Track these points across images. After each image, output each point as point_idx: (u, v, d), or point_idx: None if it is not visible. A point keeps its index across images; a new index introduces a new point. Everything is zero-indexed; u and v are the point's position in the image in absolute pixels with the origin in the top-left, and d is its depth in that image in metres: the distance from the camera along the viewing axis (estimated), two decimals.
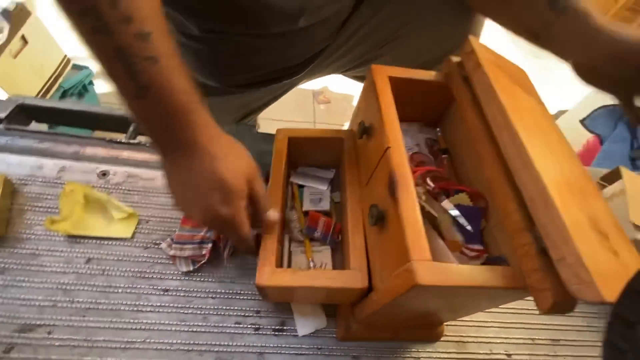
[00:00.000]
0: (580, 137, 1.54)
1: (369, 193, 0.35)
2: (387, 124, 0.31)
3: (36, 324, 0.34)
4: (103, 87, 1.50)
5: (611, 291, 0.20)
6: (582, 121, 1.46)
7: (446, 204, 0.32)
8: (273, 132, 0.45)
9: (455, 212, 0.31)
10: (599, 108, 1.47)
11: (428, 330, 0.39)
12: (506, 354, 0.40)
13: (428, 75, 0.38)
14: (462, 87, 0.34)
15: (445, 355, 0.39)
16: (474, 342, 0.40)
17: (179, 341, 0.35)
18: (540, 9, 0.37)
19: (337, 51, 0.60)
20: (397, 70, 0.37)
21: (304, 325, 0.37)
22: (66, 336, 0.33)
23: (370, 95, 0.36)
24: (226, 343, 0.35)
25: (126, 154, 0.48)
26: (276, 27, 0.48)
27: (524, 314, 0.44)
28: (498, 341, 0.41)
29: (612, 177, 0.53)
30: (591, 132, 1.43)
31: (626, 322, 0.20)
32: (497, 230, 0.31)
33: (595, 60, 0.35)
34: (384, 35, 0.56)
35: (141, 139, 0.50)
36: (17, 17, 1.06)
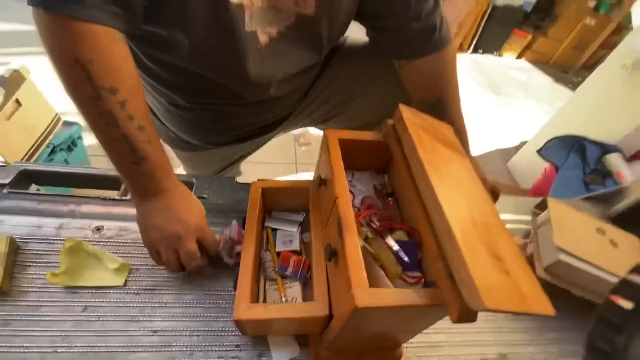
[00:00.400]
0: (539, 166, 1.68)
1: (327, 234, 0.42)
2: (336, 179, 0.39)
3: None
4: (91, 140, 1.57)
5: (494, 301, 0.27)
6: (538, 151, 1.61)
7: (389, 240, 0.40)
8: (255, 175, 0.53)
9: (395, 247, 0.39)
10: (553, 139, 1.63)
11: (388, 353, 0.44)
12: None
13: (371, 135, 0.47)
14: (396, 145, 0.43)
15: None
16: (432, 356, 0.46)
17: None
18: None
19: (303, 111, 0.71)
20: (346, 133, 0.46)
21: (279, 356, 0.42)
22: None
23: (325, 154, 0.44)
24: None
25: (118, 209, 0.54)
26: (250, 98, 0.58)
27: (476, 332, 0.50)
28: (451, 355, 0.47)
29: (543, 206, 0.62)
30: (547, 160, 1.57)
31: (601, 352, 0.24)
32: (427, 260, 0.39)
33: None
34: (340, 99, 0.67)
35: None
36: (13, 82, 1.15)
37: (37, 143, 1.26)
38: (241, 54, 0.47)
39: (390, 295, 0.31)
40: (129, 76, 0.39)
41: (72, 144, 1.43)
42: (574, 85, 2.94)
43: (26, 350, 0.38)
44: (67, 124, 1.45)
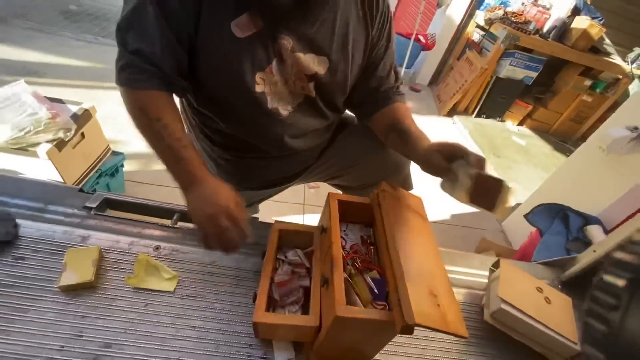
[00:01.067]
0: (530, 229, 1.82)
1: (323, 267, 0.59)
2: (332, 230, 0.57)
3: (112, 343, 0.54)
4: (129, 167, 1.80)
5: (422, 319, 0.44)
6: (525, 216, 1.76)
7: (366, 277, 0.56)
8: (269, 211, 0.71)
9: (370, 282, 0.56)
10: (539, 205, 1.79)
11: None
12: None
13: (362, 199, 0.66)
14: (377, 209, 0.61)
15: None
16: None
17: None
18: (397, 142, 0.73)
19: (316, 169, 0.92)
20: (343, 196, 0.65)
21: (279, 355, 0.58)
22: (131, 352, 0.54)
23: (326, 210, 0.63)
24: None
25: (171, 234, 0.73)
26: (275, 152, 0.79)
27: (431, 349, 0.64)
28: None
29: (497, 265, 0.78)
30: (533, 225, 1.72)
31: (597, 331, 0.25)
32: (390, 294, 0.55)
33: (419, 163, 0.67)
34: (345, 164, 0.89)
35: (181, 224, 0.76)
36: (82, 119, 1.41)
37: (90, 168, 1.50)
38: (265, 121, 0.71)
39: (359, 311, 0.48)
40: (169, 111, 0.61)
41: (115, 171, 1.66)
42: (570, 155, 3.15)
43: (106, 329, 0.55)
44: (115, 153, 1.69)
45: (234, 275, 0.68)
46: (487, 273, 0.84)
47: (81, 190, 0.77)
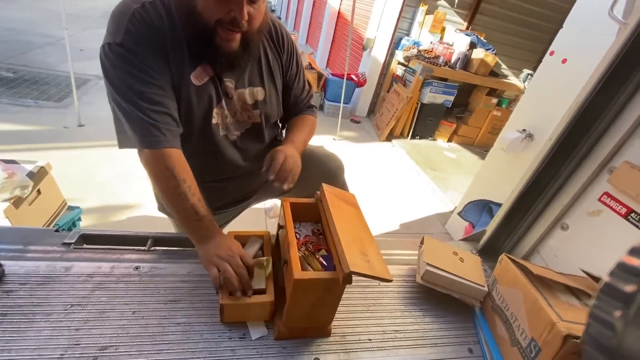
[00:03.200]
0: (462, 225, 2.11)
1: (283, 253, 0.74)
2: (287, 224, 0.73)
3: (108, 345, 0.63)
4: (86, 222, 1.81)
5: (355, 268, 0.60)
6: (458, 214, 2.05)
7: (317, 256, 0.72)
8: None
9: (320, 259, 0.71)
10: (468, 203, 2.10)
11: (322, 329, 0.73)
12: (368, 339, 0.75)
13: (310, 200, 0.83)
14: (320, 205, 0.79)
15: (335, 344, 0.72)
16: (350, 334, 0.74)
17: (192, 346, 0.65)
18: None
19: (269, 187, 1.08)
20: (295, 200, 0.81)
21: (255, 333, 0.70)
22: (126, 350, 0.62)
23: (281, 211, 0.79)
24: (214, 345, 0.66)
25: (148, 256, 0.83)
26: (229, 173, 0.95)
27: (379, 317, 0.80)
28: (364, 332, 0.76)
29: (423, 241, 0.98)
30: (466, 220, 2.01)
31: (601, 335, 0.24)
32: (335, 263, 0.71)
33: None
34: None
35: (155, 248, 0.86)
36: (38, 176, 1.44)
37: (47, 224, 1.50)
38: (220, 147, 0.88)
39: (312, 273, 0.63)
40: (189, 172, 0.76)
41: (73, 225, 1.67)
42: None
43: (100, 335, 0.64)
44: (70, 208, 1.70)
45: (208, 281, 0.80)
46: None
47: (57, 230, 0.85)
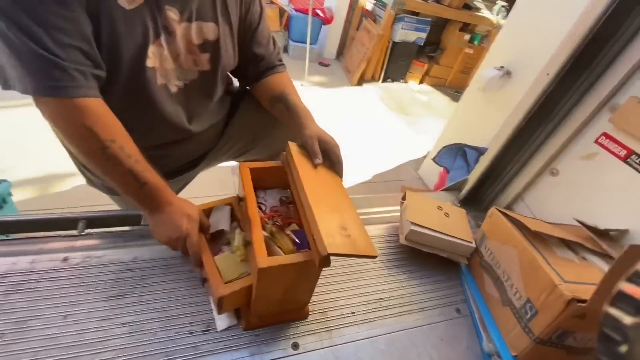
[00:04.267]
0: (436, 170, 2.07)
1: (246, 232, 0.61)
2: (247, 196, 0.59)
3: None
4: (21, 195, 1.57)
5: (334, 249, 0.49)
6: (433, 159, 1.99)
7: (287, 230, 0.60)
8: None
9: (291, 235, 0.60)
10: (443, 148, 2.04)
11: (298, 312, 0.64)
12: (351, 313, 0.67)
13: (274, 163, 0.68)
14: (288, 168, 0.65)
15: (315, 323, 0.64)
16: (331, 309, 0.67)
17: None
18: (284, 114, 0.77)
19: (221, 149, 0.92)
20: (255, 164, 0.66)
21: (221, 324, 0.59)
22: None
23: (239, 179, 0.65)
24: (172, 345, 0.56)
25: (80, 242, 0.68)
26: (173, 136, 0.76)
27: (363, 286, 0.72)
28: (347, 305, 0.68)
29: (405, 197, 0.89)
30: (440, 165, 1.96)
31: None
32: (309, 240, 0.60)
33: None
34: (248, 139, 0.91)
35: (90, 230, 0.71)
36: None
37: None
38: (157, 101, 0.67)
39: (280, 258, 0.51)
40: (119, 128, 0.57)
41: (2, 202, 1.43)
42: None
43: (21, 351, 0.51)
44: None
45: (161, 266, 0.67)
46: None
47: None
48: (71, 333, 0.54)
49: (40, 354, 0.51)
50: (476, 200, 1.03)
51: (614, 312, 0.25)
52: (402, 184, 2.29)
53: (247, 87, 0.87)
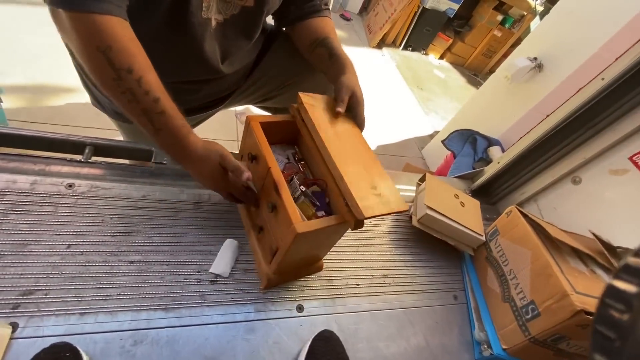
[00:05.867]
0: (445, 153, 2.05)
1: (265, 195, 0.57)
2: (266, 155, 0.53)
3: (33, 290, 0.48)
4: (10, 103, 1.46)
5: (370, 212, 0.46)
6: (442, 141, 1.96)
7: (306, 193, 0.57)
8: None
9: (311, 197, 0.57)
10: (454, 132, 1.99)
11: (314, 266, 0.63)
12: (356, 284, 0.68)
13: (282, 117, 0.61)
14: (301, 124, 0.59)
15: (321, 289, 0.64)
16: (337, 278, 0.67)
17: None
18: (325, 59, 0.70)
19: (245, 91, 0.85)
20: (263, 117, 0.59)
21: (215, 267, 0.58)
22: (59, 295, 0.49)
23: (250, 135, 0.58)
24: (179, 290, 0.54)
25: (85, 170, 0.63)
26: (204, 75, 0.70)
27: (367, 260, 0.72)
28: (352, 276, 0.68)
29: (423, 179, 0.87)
30: (448, 149, 1.93)
31: (606, 338, 0.22)
32: (333, 200, 0.57)
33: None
34: (276, 85, 0.84)
35: (97, 158, 0.66)
36: None
37: None
38: (196, 36, 0.59)
39: (316, 222, 0.49)
40: (139, 55, 0.47)
41: None
42: (480, 87, 3.50)
43: (20, 276, 0.48)
44: None
45: (170, 208, 0.64)
46: (413, 188, 0.93)
47: None
48: (75, 264, 0.52)
49: (42, 282, 0.49)
50: (487, 193, 1.03)
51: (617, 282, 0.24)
52: (404, 160, 2.26)
53: (283, 29, 0.78)
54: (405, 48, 3.53)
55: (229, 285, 0.58)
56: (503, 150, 1.90)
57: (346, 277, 0.68)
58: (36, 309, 0.47)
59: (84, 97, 0.80)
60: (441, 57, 3.80)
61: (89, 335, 0.47)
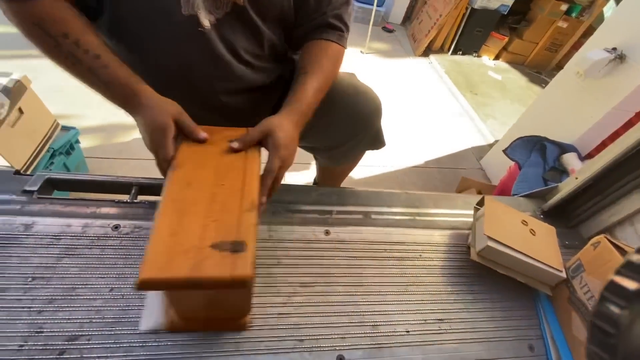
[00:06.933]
0: (508, 163, 1.84)
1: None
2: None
3: (78, 335, 0.49)
4: (87, 142, 1.66)
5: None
6: (504, 151, 1.76)
7: None
8: None
9: None
10: (517, 139, 1.78)
11: (234, 321, 0.53)
12: (405, 331, 0.59)
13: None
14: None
15: (364, 337, 0.57)
16: (383, 324, 0.59)
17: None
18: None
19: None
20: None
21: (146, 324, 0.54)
22: (100, 341, 0.49)
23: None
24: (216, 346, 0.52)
25: (131, 211, 0.66)
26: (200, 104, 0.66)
27: (419, 302, 0.63)
28: (401, 321, 0.60)
29: (482, 202, 0.76)
30: (512, 159, 1.73)
31: (604, 332, 0.23)
32: None
33: None
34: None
35: (142, 198, 0.68)
36: (16, 92, 1.23)
37: (39, 148, 1.35)
38: (181, 35, 0.56)
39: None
40: (72, 21, 0.50)
41: (70, 148, 1.52)
42: (546, 86, 3.14)
43: (67, 321, 0.50)
44: (65, 128, 1.53)
45: None
46: (471, 212, 0.82)
47: (17, 172, 0.67)
48: (115, 308, 0.53)
49: (85, 326, 0.50)
50: (565, 214, 0.87)
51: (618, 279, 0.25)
52: (461, 172, 2.09)
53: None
54: (454, 52, 3.34)
55: (263, 331, 0.55)
56: (580, 157, 1.64)
57: (393, 323, 0.60)
58: (79, 355, 0.48)
59: None
60: (496, 58, 3.52)
61: None
